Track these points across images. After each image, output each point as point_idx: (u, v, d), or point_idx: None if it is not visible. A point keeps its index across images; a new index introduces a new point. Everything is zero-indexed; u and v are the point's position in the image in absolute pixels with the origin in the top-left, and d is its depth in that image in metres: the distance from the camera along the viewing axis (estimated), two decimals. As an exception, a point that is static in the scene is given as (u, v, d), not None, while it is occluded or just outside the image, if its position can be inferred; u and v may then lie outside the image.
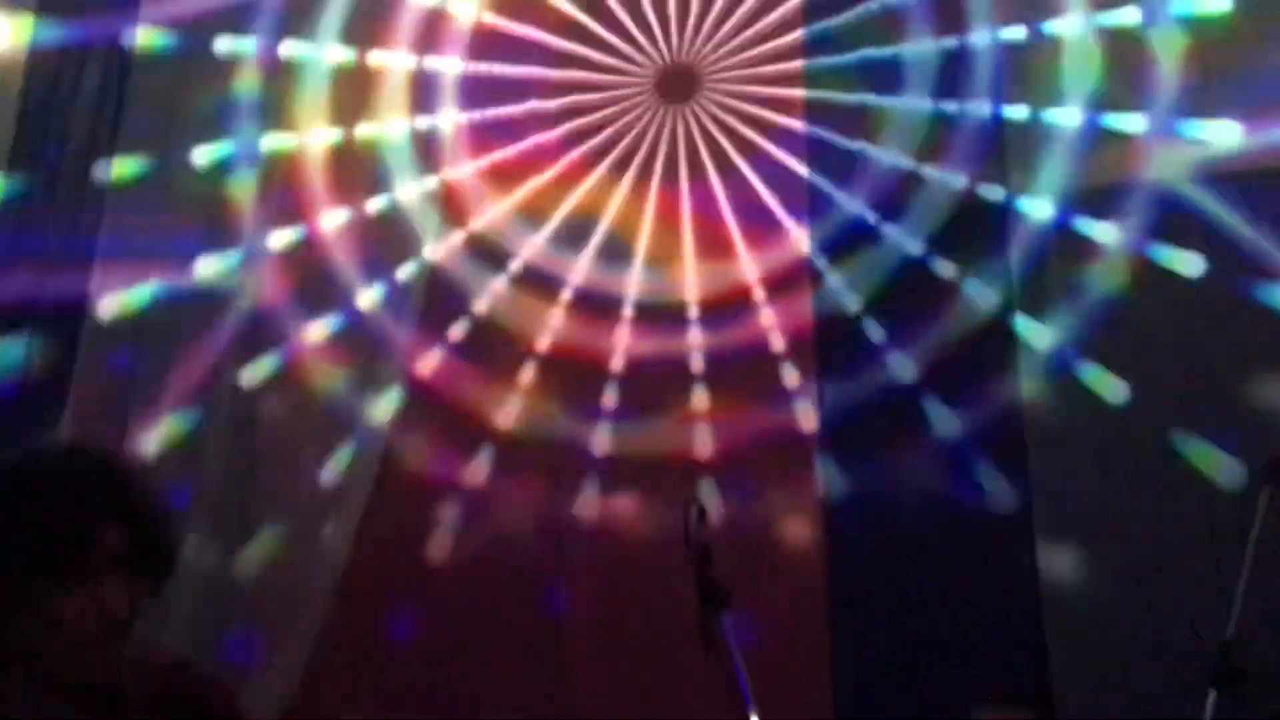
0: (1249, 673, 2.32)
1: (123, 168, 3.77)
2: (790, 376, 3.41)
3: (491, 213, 3.71)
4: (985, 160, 3.37)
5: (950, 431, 3.19)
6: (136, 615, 1.37)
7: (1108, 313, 3.17)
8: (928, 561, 3.11)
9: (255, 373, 3.57)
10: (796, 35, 3.62)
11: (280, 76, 3.84)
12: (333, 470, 3.47)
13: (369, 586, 3.39)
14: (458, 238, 3.69)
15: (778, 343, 3.45)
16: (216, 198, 3.76)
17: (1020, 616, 3.03)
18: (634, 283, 3.58)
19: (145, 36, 3.83)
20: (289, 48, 3.83)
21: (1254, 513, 2.40)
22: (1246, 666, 2.32)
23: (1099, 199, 3.29)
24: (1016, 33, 3.43)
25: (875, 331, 3.32)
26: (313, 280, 3.68)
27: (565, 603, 3.36)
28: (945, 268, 3.31)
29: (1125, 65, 3.33)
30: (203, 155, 3.77)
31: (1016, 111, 3.39)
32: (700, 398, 3.45)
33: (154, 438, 3.48)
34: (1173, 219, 3.20)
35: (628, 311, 3.55)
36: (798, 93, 3.59)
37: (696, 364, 3.48)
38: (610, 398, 3.48)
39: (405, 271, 3.65)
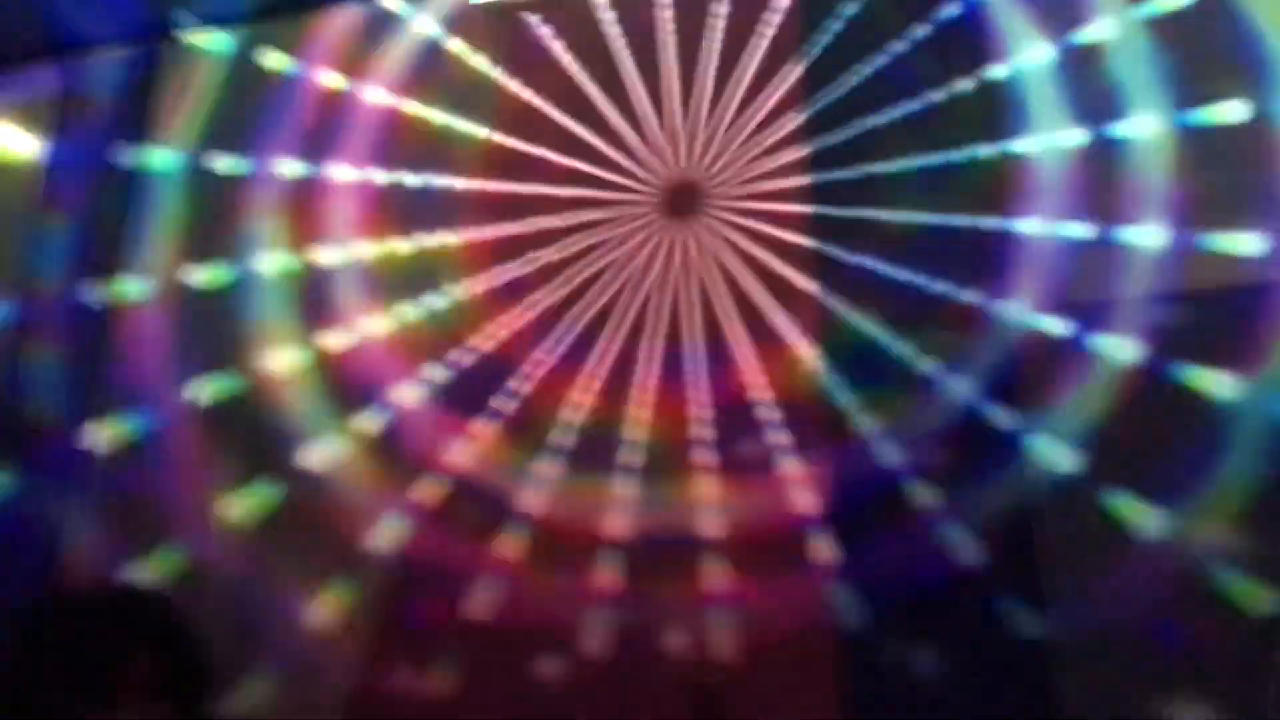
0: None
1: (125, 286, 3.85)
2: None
3: (498, 329, 3.70)
4: (992, 273, 3.33)
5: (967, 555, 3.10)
6: None
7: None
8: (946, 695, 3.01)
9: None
10: (802, 151, 3.62)
11: (284, 194, 3.92)
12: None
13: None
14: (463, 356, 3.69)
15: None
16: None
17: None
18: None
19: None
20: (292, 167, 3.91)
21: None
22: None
23: (1106, 311, 3.20)
24: (1026, 144, 3.41)
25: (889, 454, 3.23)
26: (316, 399, 3.69)
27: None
28: (960, 388, 3.23)
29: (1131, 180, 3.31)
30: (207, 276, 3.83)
31: (1027, 224, 3.35)
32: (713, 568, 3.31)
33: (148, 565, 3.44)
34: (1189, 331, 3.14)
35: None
36: (803, 208, 3.58)
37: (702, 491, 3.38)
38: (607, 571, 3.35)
39: (412, 392, 3.63)
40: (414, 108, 3.95)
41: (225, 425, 3.69)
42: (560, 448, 3.49)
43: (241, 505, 3.55)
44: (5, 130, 4.33)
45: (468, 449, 3.54)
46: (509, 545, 3.37)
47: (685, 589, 3.18)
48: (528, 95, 3.88)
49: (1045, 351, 3.18)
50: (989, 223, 3.33)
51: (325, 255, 3.86)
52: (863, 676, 3.07)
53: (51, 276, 4.00)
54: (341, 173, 3.92)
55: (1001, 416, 3.15)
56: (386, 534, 3.45)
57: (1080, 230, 3.27)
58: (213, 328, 3.84)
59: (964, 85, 3.47)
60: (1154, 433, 2.99)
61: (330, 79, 4.04)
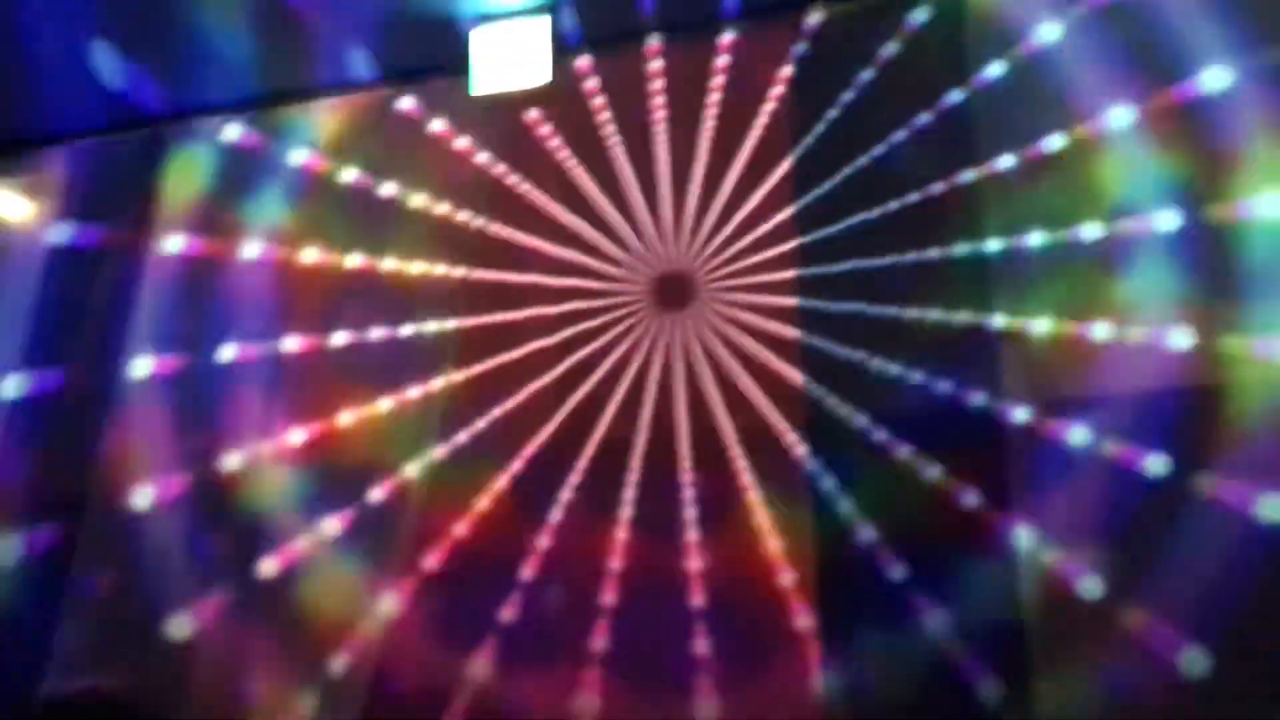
0: None
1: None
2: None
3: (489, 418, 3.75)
4: (979, 367, 3.38)
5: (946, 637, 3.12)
6: None
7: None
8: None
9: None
10: (791, 243, 3.69)
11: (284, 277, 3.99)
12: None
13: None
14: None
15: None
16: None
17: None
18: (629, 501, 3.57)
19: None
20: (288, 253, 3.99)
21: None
22: None
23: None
24: (998, 244, 3.46)
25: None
26: (317, 480, 3.73)
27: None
28: (938, 475, 3.26)
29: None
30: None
31: (1008, 320, 3.39)
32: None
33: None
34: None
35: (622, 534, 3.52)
36: (792, 301, 3.65)
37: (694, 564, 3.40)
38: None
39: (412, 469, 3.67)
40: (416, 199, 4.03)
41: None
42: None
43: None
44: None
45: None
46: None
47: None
48: (525, 188, 3.97)
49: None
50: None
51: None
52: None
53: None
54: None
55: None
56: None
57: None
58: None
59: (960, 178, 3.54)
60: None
61: (331, 167, 4.11)
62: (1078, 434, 3.20)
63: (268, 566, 3.60)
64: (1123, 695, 2.92)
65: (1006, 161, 3.49)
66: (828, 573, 3.27)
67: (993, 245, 3.45)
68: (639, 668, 3.29)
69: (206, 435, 3.84)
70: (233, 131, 4.24)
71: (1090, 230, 3.36)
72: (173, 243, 4.12)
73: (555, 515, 3.55)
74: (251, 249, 4.05)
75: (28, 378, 4.03)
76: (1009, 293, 3.39)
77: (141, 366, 3.96)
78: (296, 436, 3.79)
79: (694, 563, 3.38)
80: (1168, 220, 3.30)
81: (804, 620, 3.23)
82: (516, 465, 3.65)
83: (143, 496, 3.74)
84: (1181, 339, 3.20)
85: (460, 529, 3.58)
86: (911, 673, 3.09)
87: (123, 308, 4.02)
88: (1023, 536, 3.12)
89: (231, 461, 3.77)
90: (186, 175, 4.22)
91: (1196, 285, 3.21)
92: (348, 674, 3.44)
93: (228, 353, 3.92)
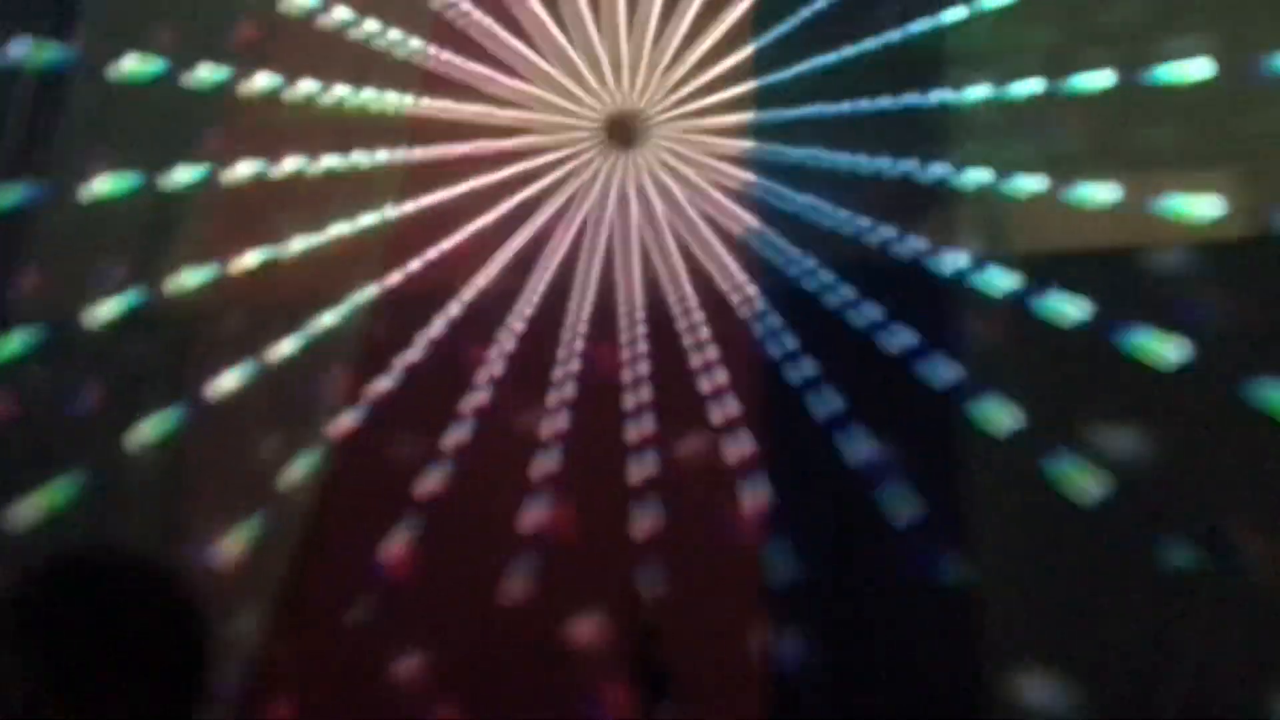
0: None
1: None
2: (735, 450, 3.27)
3: (434, 254, 3.67)
4: (939, 222, 3.37)
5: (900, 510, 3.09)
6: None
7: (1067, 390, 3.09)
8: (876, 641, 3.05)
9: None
10: (747, 86, 3.63)
11: (216, 106, 3.80)
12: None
13: (288, 671, 3.22)
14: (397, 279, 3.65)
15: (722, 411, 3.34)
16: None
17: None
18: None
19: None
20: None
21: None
22: None
23: (1061, 268, 3.19)
24: (974, 92, 3.42)
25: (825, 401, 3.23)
26: (236, 323, 3.63)
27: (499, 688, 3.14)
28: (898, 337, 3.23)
29: (1089, 130, 3.34)
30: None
31: (973, 175, 3.35)
32: (641, 469, 3.28)
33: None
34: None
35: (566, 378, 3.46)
36: (746, 144, 3.60)
37: (634, 433, 3.33)
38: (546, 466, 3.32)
39: (338, 315, 3.59)
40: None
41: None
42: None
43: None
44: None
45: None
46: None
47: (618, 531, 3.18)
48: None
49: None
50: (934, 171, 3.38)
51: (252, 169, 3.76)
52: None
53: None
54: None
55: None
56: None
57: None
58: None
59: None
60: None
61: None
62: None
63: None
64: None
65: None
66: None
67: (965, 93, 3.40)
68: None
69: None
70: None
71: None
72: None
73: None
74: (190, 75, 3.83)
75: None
76: (968, 143, 3.36)
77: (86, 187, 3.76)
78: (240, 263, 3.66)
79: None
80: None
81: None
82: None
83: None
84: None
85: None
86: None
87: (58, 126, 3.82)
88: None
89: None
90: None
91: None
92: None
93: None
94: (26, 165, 3.81)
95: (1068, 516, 2.95)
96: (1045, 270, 3.16)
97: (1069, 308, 3.12)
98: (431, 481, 3.33)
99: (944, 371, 3.15)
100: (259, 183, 3.73)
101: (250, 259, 3.65)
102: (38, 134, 3.85)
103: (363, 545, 3.25)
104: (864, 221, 3.38)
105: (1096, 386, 3.08)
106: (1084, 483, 2.94)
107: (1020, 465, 3.00)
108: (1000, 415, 3.07)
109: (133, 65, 3.81)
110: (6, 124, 3.85)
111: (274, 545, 3.30)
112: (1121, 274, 3.14)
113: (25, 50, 3.80)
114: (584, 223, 3.63)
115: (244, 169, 3.73)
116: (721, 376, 3.35)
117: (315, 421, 3.45)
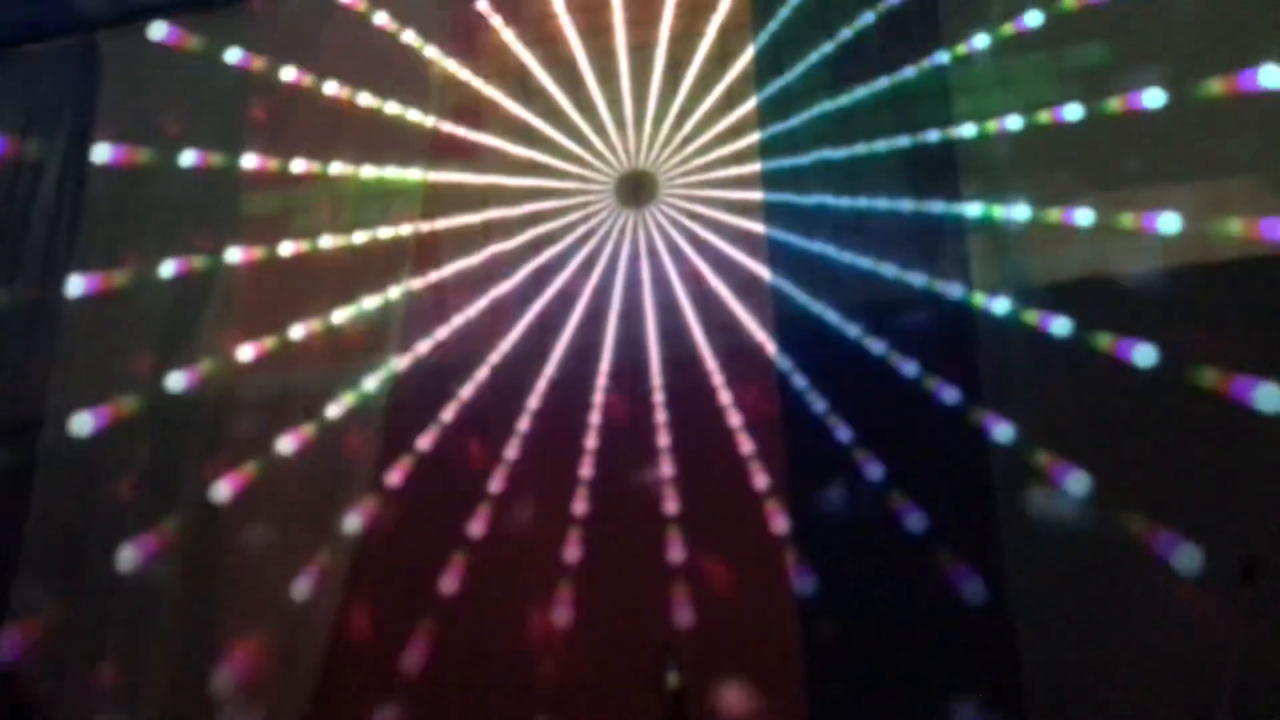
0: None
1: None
2: (760, 480, 3.39)
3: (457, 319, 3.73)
4: (947, 258, 3.42)
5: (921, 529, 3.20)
6: None
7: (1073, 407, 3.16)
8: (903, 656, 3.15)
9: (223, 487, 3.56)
10: (753, 138, 3.69)
11: (241, 186, 3.88)
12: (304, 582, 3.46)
13: (343, 698, 3.40)
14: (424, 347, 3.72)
15: (746, 446, 3.44)
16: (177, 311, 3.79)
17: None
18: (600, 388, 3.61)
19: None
20: (251, 160, 3.88)
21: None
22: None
23: (1060, 294, 3.28)
24: (969, 130, 3.48)
25: (843, 433, 3.33)
26: (280, 389, 3.69)
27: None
28: (910, 368, 3.32)
29: (1075, 158, 3.40)
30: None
31: (974, 207, 3.42)
32: (670, 503, 3.43)
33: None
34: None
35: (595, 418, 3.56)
36: (756, 195, 3.65)
37: (666, 469, 3.46)
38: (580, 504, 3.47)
39: (372, 381, 3.65)
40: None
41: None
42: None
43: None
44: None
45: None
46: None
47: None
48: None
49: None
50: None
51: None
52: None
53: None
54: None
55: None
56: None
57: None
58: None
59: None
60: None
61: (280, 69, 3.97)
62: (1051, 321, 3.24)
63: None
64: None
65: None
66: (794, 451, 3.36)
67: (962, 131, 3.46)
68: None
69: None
70: (173, 34, 4.05)
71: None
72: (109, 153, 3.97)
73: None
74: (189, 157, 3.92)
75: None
76: (981, 180, 3.41)
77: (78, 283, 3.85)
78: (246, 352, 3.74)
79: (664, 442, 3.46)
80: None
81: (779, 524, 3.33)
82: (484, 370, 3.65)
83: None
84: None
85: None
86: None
87: (66, 221, 3.91)
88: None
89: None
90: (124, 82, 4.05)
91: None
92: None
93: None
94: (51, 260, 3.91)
95: (1094, 537, 3.04)
96: (1055, 297, 3.24)
97: (1083, 333, 3.20)
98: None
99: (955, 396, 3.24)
100: (273, 265, 3.81)
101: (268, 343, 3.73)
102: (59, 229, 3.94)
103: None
104: (874, 261, 3.44)
105: (1114, 407, 3.13)
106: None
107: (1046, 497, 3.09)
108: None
109: (150, 157, 3.91)
110: (30, 219, 3.95)
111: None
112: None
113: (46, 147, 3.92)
114: (600, 282, 3.69)
115: (257, 252, 3.83)
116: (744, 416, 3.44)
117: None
